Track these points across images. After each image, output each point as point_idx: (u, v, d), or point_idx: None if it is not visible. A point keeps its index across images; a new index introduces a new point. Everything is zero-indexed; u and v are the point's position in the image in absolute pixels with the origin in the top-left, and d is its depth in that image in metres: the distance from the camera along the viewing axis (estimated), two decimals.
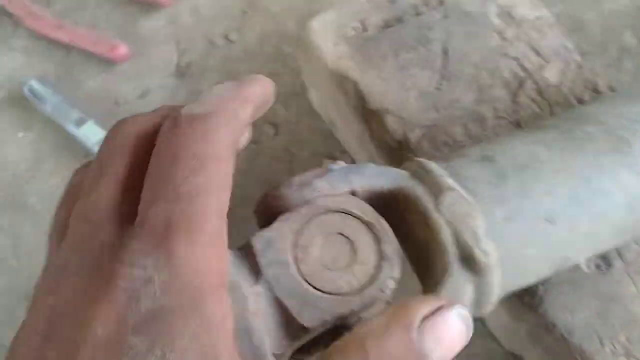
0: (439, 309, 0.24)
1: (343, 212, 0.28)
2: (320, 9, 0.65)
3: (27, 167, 0.65)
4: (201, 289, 0.22)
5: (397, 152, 0.44)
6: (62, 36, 0.67)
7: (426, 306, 0.24)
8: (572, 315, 0.39)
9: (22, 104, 0.67)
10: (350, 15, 0.47)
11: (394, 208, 0.31)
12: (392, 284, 0.27)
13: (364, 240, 0.28)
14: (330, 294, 0.27)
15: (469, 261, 0.29)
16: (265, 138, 0.64)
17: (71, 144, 0.65)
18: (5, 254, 0.63)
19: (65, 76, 0.68)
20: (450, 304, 0.25)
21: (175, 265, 0.21)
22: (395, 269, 0.28)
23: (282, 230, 0.28)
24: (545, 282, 0.40)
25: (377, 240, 0.28)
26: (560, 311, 0.39)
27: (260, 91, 0.28)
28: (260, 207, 0.30)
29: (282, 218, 0.28)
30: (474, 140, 0.43)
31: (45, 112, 0.65)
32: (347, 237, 0.28)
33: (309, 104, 0.65)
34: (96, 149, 0.62)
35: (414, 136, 0.43)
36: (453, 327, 0.23)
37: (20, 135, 0.66)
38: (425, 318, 0.23)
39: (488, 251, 0.29)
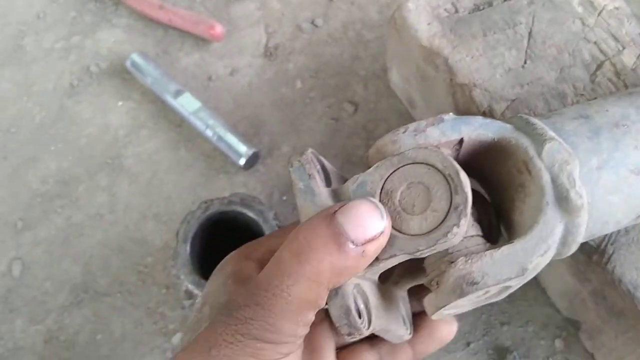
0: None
1: (427, 164, 0.32)
2: None
3: (125, 132, 0.71)
4: None
5: None
6: (162, 16, 0.73)
7: (338, 204, 0.30)
8: (637, 272, 0.44)
9: (122, 75, 0.74)
10: None
11: (491, 156, 0.36)
12: (455, 230, 0.30)
13: (440, 190, 0.31)
14: (402, 232, 0.31)
15: (564, 202, 0.33)
16: (344, 115, 0.70)
17: (166, 112, 0.71)
18: (103, 209, 0.69)
19: (162, 53, 0.74)
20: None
21: None
22: (461, 218, 0.30)
23: (373, 175, 0.32)
24: (614, 241, 0.44)
25: (452, 191, 0.31)
26: (627, 268, 0.44)
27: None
28: (373, 150, 0.35)
29: (376, 165, 0.33)
30: None
31: (145, 84, 0.71)
32: (426, 186, 0.32)
33: (387, 86, 0.70)
34: (192, 118, 0.68)
35: (499, 107, 0.48)
36: (360, 206, 0.29)
37: (120, 103, 0.73)
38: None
39: (581, 194, 0.33)
